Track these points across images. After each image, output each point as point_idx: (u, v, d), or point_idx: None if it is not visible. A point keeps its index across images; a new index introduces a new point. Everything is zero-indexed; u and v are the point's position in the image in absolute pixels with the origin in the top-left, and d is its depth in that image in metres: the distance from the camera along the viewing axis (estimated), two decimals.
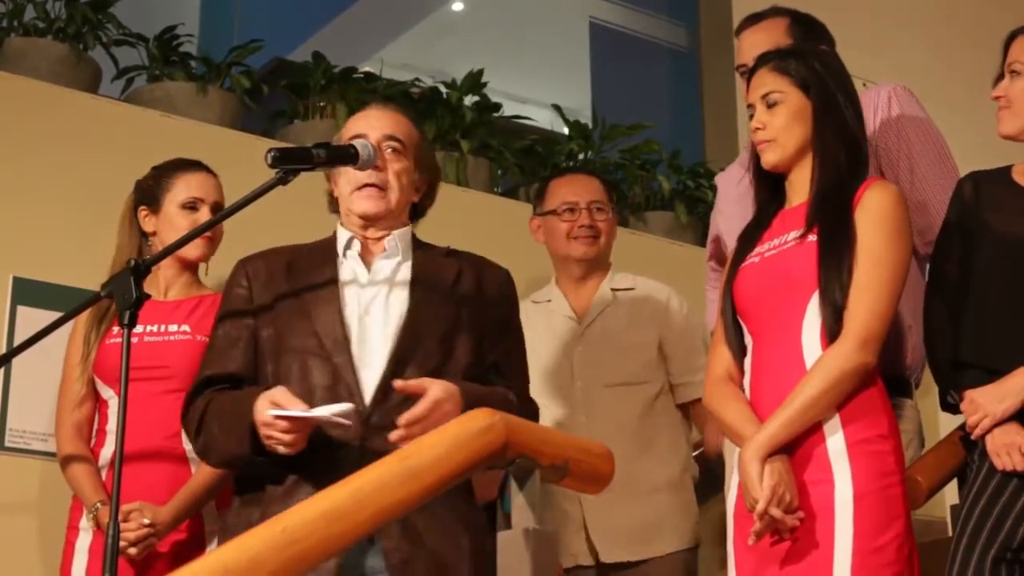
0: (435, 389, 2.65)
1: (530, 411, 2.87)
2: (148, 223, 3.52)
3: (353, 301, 2.86)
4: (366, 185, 2.89)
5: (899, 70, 5.02)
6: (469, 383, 2.76)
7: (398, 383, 2.66)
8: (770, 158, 2.93)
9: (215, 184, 3.55)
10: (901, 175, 3.27)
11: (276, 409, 2.61)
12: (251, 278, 2.94)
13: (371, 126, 2.93)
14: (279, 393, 2.65)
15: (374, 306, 2.85)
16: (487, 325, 2.90)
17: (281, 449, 2.65)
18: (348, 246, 2.93)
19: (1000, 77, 3.05)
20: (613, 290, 3.87)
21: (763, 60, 2.99)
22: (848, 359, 2.71)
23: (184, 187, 3.51)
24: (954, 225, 3.06)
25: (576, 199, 3.87)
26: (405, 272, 2.90)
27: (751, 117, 2.99)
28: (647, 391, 3.77)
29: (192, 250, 3.41)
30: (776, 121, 2.91)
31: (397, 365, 2.76)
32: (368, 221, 2.92)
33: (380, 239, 2.92)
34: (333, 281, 2.89)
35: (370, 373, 2.76)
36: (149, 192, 3.53)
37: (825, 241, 2.79)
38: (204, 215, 3.47)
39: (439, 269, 2.92)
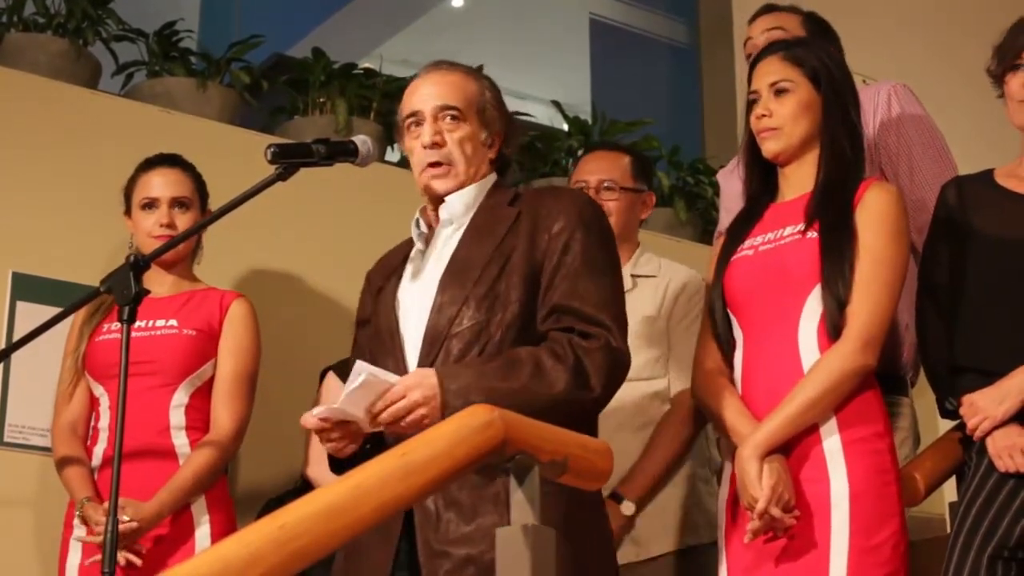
0: (403, 383, 2.56)
1: (590, 369, 2.59)
2: (128, 225, 3.59)
3: (406, 284, 2.82)
4: (430, 165, 2.80)
5: (899, 67, 5.02)
6: (460, 367, 2.61)
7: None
8: (772, 147, 2.91)
9: (172, 180, 3.56)
10: (901, 173, 3.27)
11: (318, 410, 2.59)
12: (370, 283, 2.94)
13: (423, 101, 2.82)
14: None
15: (419, 285, 2.79)
16: (540, 269, 2.69)
17: (330, 448, 2.62)
18: (418, 225, 2.86)
19: (1009, 64, 2.97)
20: (634, 276, 3.73)
21: (771, 48, 2.97)
22: (850, 360, 2.72)
23: (141, 188, 3.57)
24: (941, 230, 3.05)
25: (586, 178, 3.77)
26: (456, 238, 2.79)
27: (752, 103, 2.96)
28: (657, 386, 3.63)
29: (147, 249, 3.34)
30: (783, 110, 2.89)
31: (431, 344, 2.68)
32: (441, 198, 2.82)
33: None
34: (399, 268, 2.85)
35: (413, 357, 2.70)
36: (125, 195, 3.61)
37: (827, 236, 2.79)
38: (162, 213, 3.51)
39: (495, 222, 2.76)
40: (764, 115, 2.91)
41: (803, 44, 2.99)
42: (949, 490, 3.18)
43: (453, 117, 2.80)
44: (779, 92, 2.90)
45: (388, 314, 2.79)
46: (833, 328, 2.74)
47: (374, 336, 2.82)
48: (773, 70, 2.92)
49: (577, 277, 2.67)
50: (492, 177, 2.88)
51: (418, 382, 2.56)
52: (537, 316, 2.68)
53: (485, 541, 2.54)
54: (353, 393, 2.54)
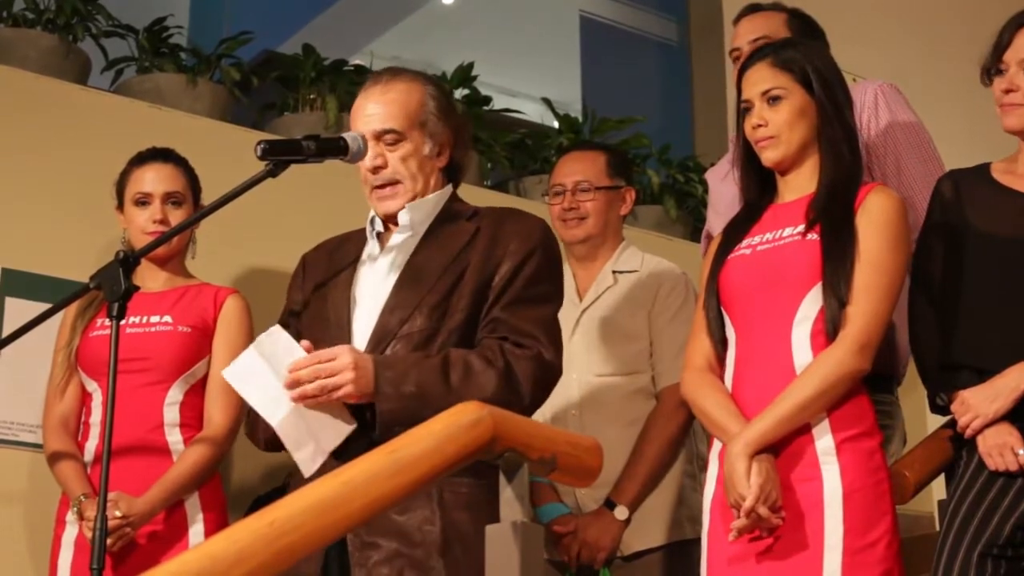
0: (337, 348, 2.64)
1: (519, 376, 2.69)
2: (120, 220, 3.58)
3: (361, 281, 2.87)
4: (376, 187, 2.86)
5: (891, 64, 5.02)
6: (395, 358, 2.69)
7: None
8: (772, 155, 2.90)
9: (165, 175, 3.55)
10: (888, 173, 3.27)
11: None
12: (306, 269, 2.99)
13: (365, 123, 2.87)
14: None
15: (373, 284, 2.84)
16: (490, 283, 2.78)
17: None
18: (373, 225, 2.92)
19: (994, 67, 2.97)
20: (615, 272, 3.75)
21: (760, 55, 2.96)
22: (844, 364, 2.72)
23: (134, 183, 3.56)
24: (936, 226, 3.04)
25: (562, 181, 3.79)
26: (413, 244, 2.86)
27: (744, 110, 2.95)
28: (639, 381, 3.63)
29: (140, 245, 3.34)
30: (778, 118, 2.88)
31: (378, 342, 2.74)
32: (391, 218, 2.90)
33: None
34: (353, 263, 2.90)
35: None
36: (117, 190, 3.59)
37: (829, 239, 2.78)
38: (156, 209, 3.51)
39: (453, 235, 2.85)
40: (760, 124, 2.89)
41: (791, 46, 2.97)
42: (938, 488, 3.18)
43: (394, 139, 2.85)
44: (772, 100, 2.89)
45: (342, 306, 2.83)
46: (833, 328, 2.74)
47: (318, 323, 2.85)
48: (764, 78, 2.90)
49: (521, 299, 2.77)
50: (449, 188, 2.94)
51: (355, 360, 2.61)
52: (479, 326, 2.77)
53: (417, 536, 2.60)
54: (290, 342, 2.61)
